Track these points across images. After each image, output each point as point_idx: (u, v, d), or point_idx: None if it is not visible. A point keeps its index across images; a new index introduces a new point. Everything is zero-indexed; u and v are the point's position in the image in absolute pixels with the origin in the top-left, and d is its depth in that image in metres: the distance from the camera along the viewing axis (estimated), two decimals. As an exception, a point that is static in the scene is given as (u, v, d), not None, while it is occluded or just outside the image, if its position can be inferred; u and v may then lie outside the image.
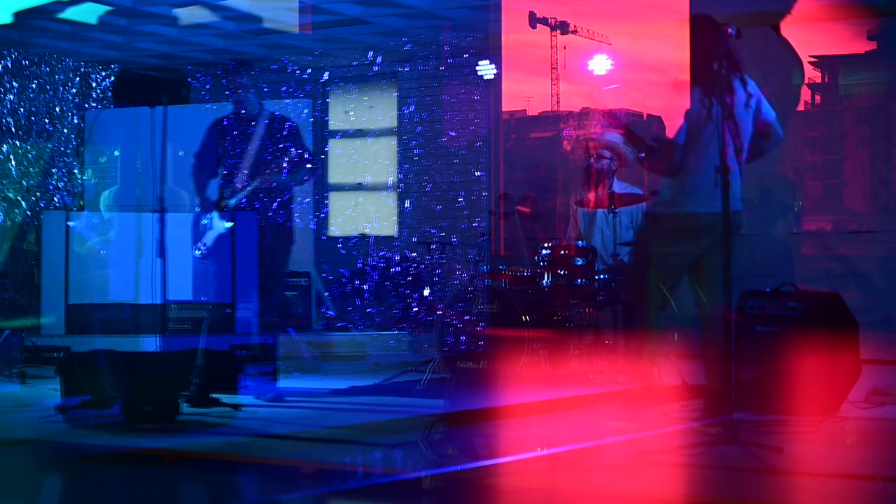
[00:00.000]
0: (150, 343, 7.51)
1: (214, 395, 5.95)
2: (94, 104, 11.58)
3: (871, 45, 9.08)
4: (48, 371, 7.04)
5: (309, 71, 11.86)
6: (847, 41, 9.10)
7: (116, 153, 10.59)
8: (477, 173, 11.21)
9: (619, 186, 7.71)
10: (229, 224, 6.93)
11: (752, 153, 5.81)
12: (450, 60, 11.28)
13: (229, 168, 7.06)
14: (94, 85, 11.64)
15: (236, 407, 5.82)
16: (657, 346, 5.91)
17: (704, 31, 5.69)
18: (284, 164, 6.91)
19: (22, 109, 10.94)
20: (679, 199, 5.72)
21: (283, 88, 11.75)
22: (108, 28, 10.49)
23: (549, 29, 10.47)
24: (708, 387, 5.68)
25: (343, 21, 10.30)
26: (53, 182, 11.05)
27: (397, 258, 10.38)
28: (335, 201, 12.13)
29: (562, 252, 7.35)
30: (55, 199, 10.91)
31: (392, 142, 11.92)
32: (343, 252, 11.38)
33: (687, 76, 6.00)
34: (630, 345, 6.00)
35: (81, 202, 10.86)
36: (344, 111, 12.13)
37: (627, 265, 6.75)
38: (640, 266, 5.90)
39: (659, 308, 5.76)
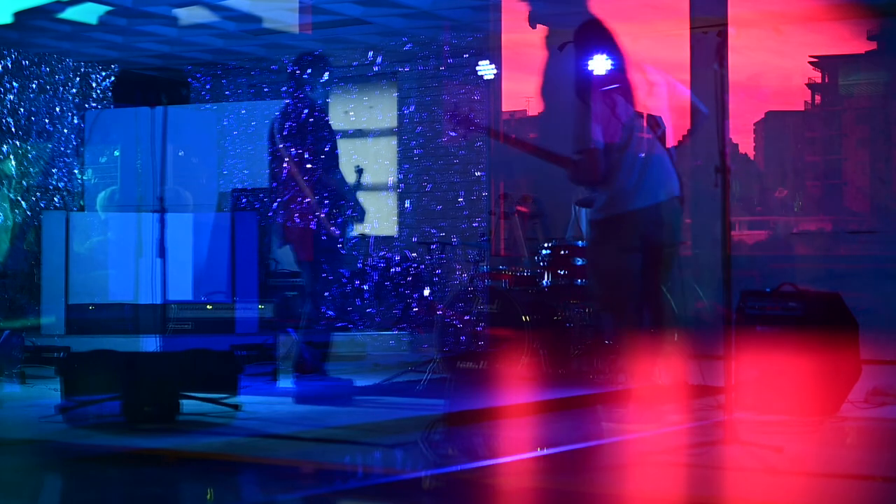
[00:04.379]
0: (150, 343, 7.52)
1: (215, 395, 5.94)
2: (94, 104, 11.57)
3: (871, 45, 9.08)
4: (48, 371, 7.04)
5: (309, 71, 11.84)
6: (847, 41, 9.10)
7: (116, 153, 10.60)
8: (477, 173, 11.21)
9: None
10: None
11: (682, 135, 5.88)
12: (450, 60, 11.27)
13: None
14: (94, 85, 11.63)
15: (236, 407, 5.82)
16: (652, 346, 5.92)
17: (589, 36, 5.80)
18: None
19: (22, 109, 10.94)
20: (614, 200, 5.74)
21: (283, 88, 11.74)
22: (108, 28, 10.49)
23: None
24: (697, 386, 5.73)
25: (343, 21, 10.30)
26: (53, 182, 11.05)
27: (397, 258, 10.38)
28: (335, 201, 12.12)
29: (562, 252, 7.35)
30: (55, 199, 10.91)
31: (392, 142, 11.91)
32: (343, 252, 11.37)
33: (687, 76, 6.03)
34: (624, 347, 6.00)
35: (81, 202, 10.86)
36: (344, 111, 12.13)
37: (589, 279, 6.83)
38: (601, 277, 5.94)
39: (632, 312, 5.77)
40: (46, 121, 11.14)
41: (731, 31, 5.63)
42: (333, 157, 7.02)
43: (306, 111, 6.95)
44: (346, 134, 12.03)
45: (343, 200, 7.10)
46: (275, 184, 7.03)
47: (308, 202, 6.90)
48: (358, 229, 10.15)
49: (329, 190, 7.00)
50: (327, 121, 7.04)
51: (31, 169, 10.87)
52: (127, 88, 11.77)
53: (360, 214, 7.23)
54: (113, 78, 11.74)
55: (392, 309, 10.33)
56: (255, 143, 7.47)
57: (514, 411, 6.03)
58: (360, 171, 7.89)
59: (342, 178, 7.18)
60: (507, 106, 10.99)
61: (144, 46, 11.30)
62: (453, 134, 10.20)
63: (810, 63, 9.44)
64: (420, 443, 5.04)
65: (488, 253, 8.68)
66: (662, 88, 5.84)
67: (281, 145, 6.95)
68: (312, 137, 6.92)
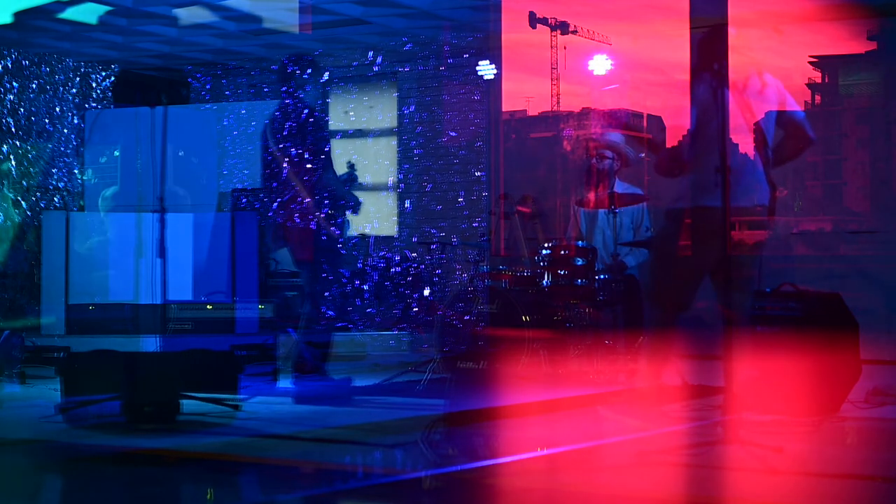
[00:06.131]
0: (150, 343, 7.52)
1: (215, 395, 5.94)
2: (94, 104, 11.58)
3: (871, 45, 9.09)
4: (48, 371, 7.04)
5: (309, 71, 11.86)
6: (847, 41, 9.11)
7: (116, 153, 10.61)
8: (477, 173, 11.21)
9: (620, 186, 7.71)
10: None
11: (779, 153, 5.80)
12: (450, 60, 11.28)
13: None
14: (94, 85, 11.64)
15: (236, 407, 5.82)
16: (680, 346, 5.90)
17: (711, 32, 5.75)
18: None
19: (22, 109, 10.94)
20: (694, 192, 5.68)
21: (283, 88, 11.75)
22: (108, 28, 10.49)
23: (549, 29, 10.48)
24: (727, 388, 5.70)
25: (343, 21, 10.30)
26: (53, 182, 11.05)
27: (397, 258, 10.38)
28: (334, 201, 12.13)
29: (562, 252, 7.35)
30: (55, 199, 10.91)
31: (392, 142, 11.91)
32: (343, 252, 11.38)
33: (686, 76, 6.01)
34: (651, 346, 5.98)
35: (81, 202, 10.86)
36: (344, 111, 12.13)
37: (651, 266, 6.75)
38: (665, 266, 5.88)
39: (683, 309, 5.75)
40: (46, 121, 11.14)
41: (731, 31, 5.61)
42: (328, 156, 7.03)
43: (305, 111, 6.95)
44: (346, 134, 12.03)
45: (343, 200, 7.11)
46: (275, 184, 7.04)
47: (307, 202, 6.90)
48: (353, 221, 10.18)
49: (328, 190, 7.00)
50: (326, 120, 7.05)
51: (31, 169, 10.87)
52: (127, 88, 11.78)
53: (355, 204, 7.24)
54: (113, 78, 11.75)
55: (392, 309, 10.33)
56: (255, 143, 7.46)
57: (514, 411, 6.03)
58: (351, 167, 7.93)
59: (339, 178, 7.19)
60: (507, 106, 11.00)
61: (144, 46, 11.31)
62: (453, 134, 10.19)
63: (810, 63, 9.44)
64: (420, 443, 5.04)
65: (488, 253, 8.68)
66: (772, 93, 5.76)
67: (273, 146, 6.96)
68: (311, 137, 6.93)
